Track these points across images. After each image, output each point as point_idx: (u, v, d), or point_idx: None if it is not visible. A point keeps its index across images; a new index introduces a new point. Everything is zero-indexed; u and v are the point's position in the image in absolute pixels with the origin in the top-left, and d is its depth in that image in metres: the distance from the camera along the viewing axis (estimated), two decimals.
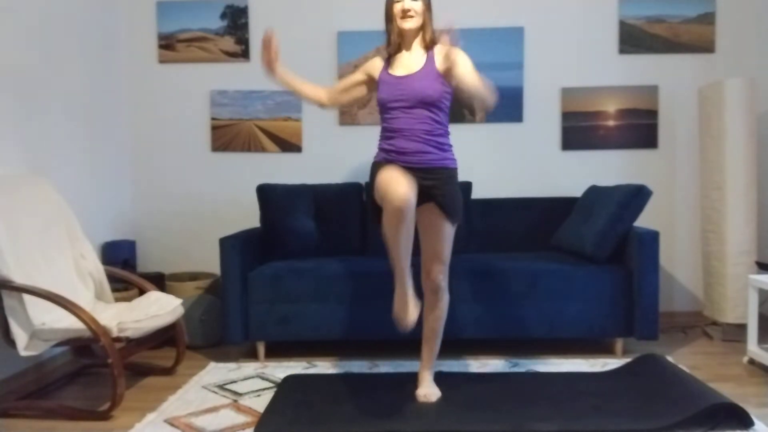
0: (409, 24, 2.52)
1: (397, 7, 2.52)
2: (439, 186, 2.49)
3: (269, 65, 2.60)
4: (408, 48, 2.58)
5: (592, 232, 3.34)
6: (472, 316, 3.24)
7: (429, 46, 2.57)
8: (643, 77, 4.01)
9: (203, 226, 4.11)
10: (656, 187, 3.94)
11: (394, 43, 2.58)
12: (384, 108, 2.57)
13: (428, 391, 2.63)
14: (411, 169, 2.45)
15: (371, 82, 2.68)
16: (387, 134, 2.57)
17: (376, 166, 2.56)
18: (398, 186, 2.21)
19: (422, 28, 2.55)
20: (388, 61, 2.63)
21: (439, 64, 2.48)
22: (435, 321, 2.63)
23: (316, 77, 4.02)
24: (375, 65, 2.67)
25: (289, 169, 4.08)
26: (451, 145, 2.59)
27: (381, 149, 2.59)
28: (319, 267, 3.31)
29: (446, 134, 2.57)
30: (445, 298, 2.63)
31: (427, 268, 2.58)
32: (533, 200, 3.90)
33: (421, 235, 2.58)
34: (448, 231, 2.56)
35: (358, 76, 2.71)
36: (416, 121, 2.48)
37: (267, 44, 2.56)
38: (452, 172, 2.57)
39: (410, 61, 2.56)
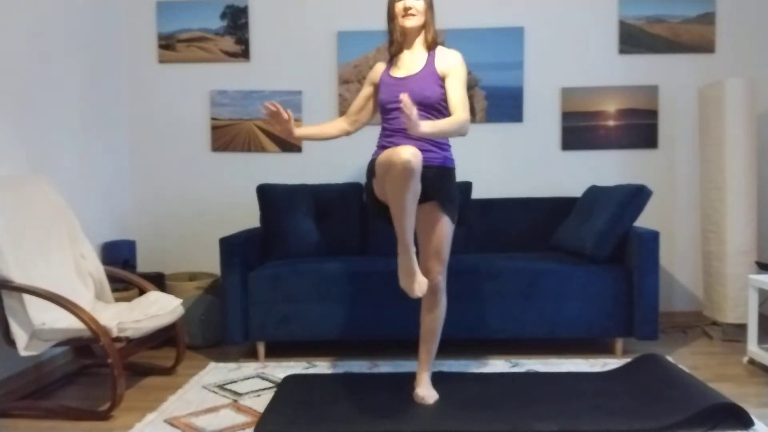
0: (411, 22, 2.53)
1: (399, 6, 2.53)
2: (437, 183, 2.49)
3: (286, 133, 2.60)
4: (410, 47, 2.60)
5: (592, 232, 3.34)
6: (472, 316, 3.24)
7: (431, 46, 2.58)
8: (643, 77, 4.01)
9: (203, 226, 4.11)
10: (656, 187, 3.93)
11: (396, 42, 2.59)
12: (384, 109, 2.59)
13: (426, 393, 2.61)
14: None
15: (376, 87, 2.70)
16: (387, 134, 2.59)
17: (374, 164, 2.57)
18: (403, 149, 2.19)
19: (424, 26, 2.57)
20: (391, 61, 2.65)
21: (438, 66, 2.53)
22: (433, 322, 2.62)
23: (317, 77, 4.05)
24: (377, 70, 2.70)
25: (289, 169, 4.08)
26: (449, 145, 2.61)
27: (380, 147, 2.60)
28: (319, 267, 3.31)
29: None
30: (443, 300, 2.62)
31: (426, 268, 2.55)
32: (533, 200, 3.90)
33: (420, 234, 2.57)
34: (447, 229, 2.55)
35: (367, 90, 2.74)
36: None
37: (276, 117, 2.54)
38: (450, 171, 2.58)
39: (411, 62, 2.58)
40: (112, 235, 3.87)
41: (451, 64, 2.55)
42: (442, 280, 2.59)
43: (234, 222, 3.96)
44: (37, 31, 3.20)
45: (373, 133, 2.73)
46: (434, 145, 2.52)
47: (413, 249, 2.32)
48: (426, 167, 2.45)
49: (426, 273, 2.54)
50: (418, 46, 2.59)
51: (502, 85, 4.00)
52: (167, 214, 4.15)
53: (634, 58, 4.01)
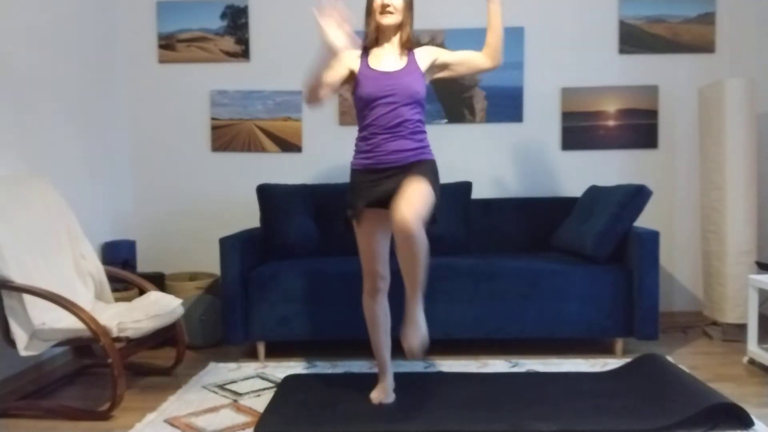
0: (388, 20, 2.47)
1: (377, 2, 2.48)
2: (415, 167, 2.44)
3: (334, 47, 2.20)
4: (386, 44, 2.54)
5: (592, 232, 3.34)
6: (472, 316, 3.24)
7: (407, 46, 2.54)
8: (643, 77, 4.01)
9: (203, 226, 4.11)
10: (656, 187, 3.93)
11: (371, 38, 2.54)
12: (366, 104, 2.49)
13: (410, 333, 2.33)
14: (389, 168, 2.46)
15: (350, 77, 2.55)
16: (367, 133, 2.51)
17: (354, 174, 2.55)
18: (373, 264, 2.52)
19: (401, 26, 2.52)
20: (365, 54, 2.55)
21: (420, 62, 2.53)
22: (412, 267, 2.30)
23: None
24: (353, 58, 2.53)
25: (289, 169, 4.08)
26: (428, 142, 2.56)
27: (359, 151, 2.54)
28: (319, 267, 3.31)
29: (425, 131, 2.56)
30: (421, 244, 2.25)
31: (398, 213, 2.24)
32: (533, 200, 3.90)
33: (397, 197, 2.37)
34: (425, 187, 2.35)
35: (343, 71, 2.52)
36: (400, 117, 2.46)
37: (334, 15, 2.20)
38: (429, 162, 2.52)
39: (389, 58, 2.52)
40: (112, 235, 3.87)
41: (431, 51, 2.58)
42: (415, 224, 2.22)
43: (234, 222, 3.96)
44: (37, 31, 3.20)
45: None
46: (414, 142, 2.48)
47: (390, 371, 2.67)
48: (403, 166, 2.46)
49: (398, 220, 2.24)
50: (395, 44, 2.53)
51: (502, 85, 4.00)
52: (167, 214, 4.15)
53: (634, 58, 4.01)
